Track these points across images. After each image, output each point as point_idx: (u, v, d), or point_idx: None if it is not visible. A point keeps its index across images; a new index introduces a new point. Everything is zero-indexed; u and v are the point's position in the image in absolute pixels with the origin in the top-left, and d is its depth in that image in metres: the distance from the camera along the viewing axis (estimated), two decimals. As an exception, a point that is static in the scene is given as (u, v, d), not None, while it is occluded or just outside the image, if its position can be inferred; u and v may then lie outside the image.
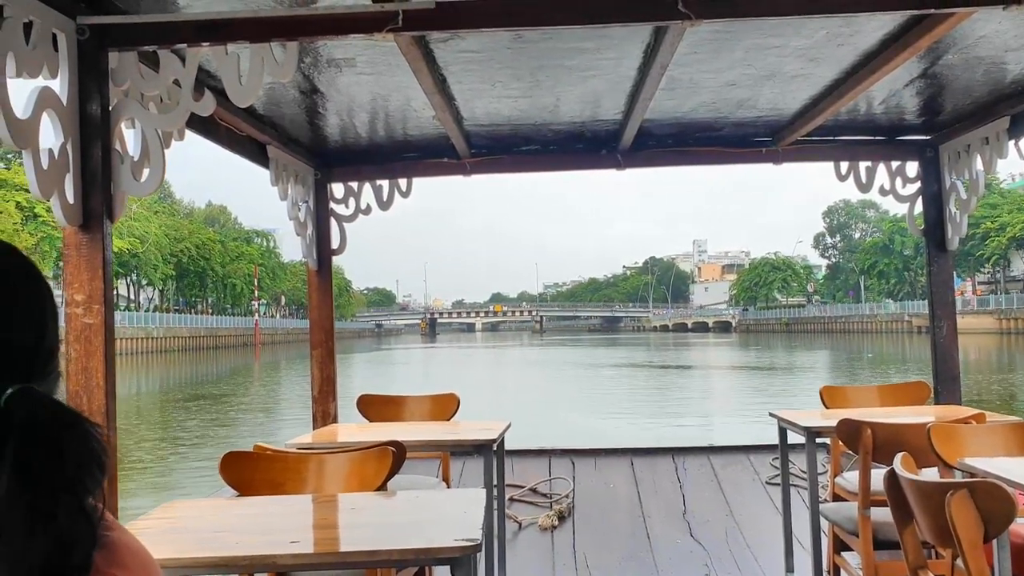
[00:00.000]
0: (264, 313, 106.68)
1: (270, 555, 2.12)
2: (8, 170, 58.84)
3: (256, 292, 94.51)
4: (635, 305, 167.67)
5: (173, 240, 80.00)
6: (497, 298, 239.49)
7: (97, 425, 0.86)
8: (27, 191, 54.19)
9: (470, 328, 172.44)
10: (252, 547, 2.18)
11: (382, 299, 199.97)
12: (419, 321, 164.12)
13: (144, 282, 78.62)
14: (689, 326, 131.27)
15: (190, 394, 29.51)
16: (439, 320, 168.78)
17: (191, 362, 58.55)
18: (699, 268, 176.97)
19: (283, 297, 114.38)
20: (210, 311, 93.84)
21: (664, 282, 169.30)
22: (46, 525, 0.77)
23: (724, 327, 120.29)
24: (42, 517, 0.78)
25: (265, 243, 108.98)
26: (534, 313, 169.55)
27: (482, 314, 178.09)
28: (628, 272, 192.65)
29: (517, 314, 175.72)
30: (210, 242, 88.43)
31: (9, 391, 0.82)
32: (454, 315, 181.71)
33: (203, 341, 76.47)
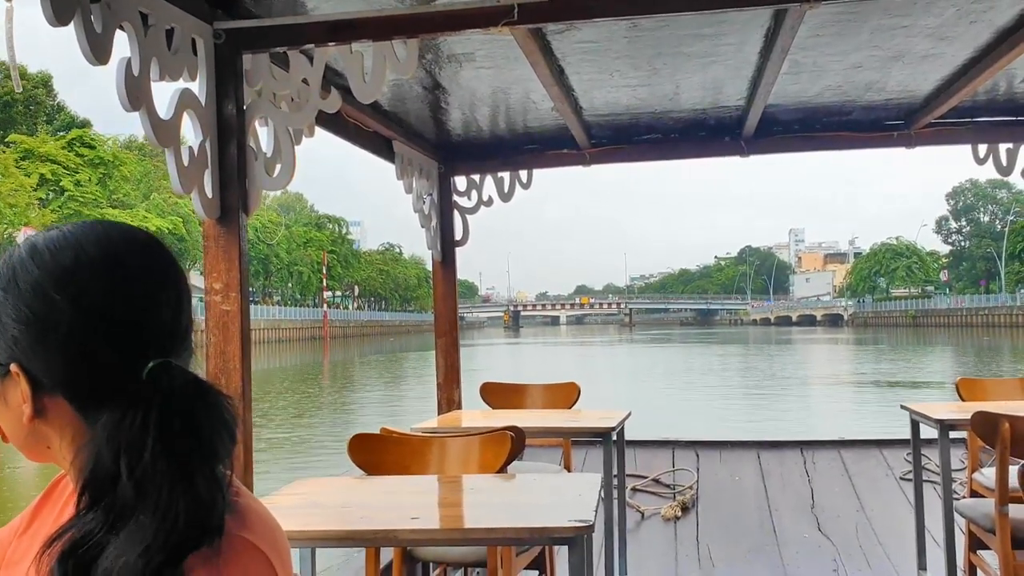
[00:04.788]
0: (339, 304, 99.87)
1: (393, 530, 2.23)
2: (34, 137, 52.25)
3: (325, 281, 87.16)
4: (731, 297, 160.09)
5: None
6: (582, 290, 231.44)
7: (228, 396, 0.94)
8: (55, 163, 50.68)
9: (554, 321, 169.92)
10: (376, 522, 2.29)
11: (464, 291, 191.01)
12: (502, 314, 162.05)
13: (190, 266, 56.28)
14: (794, 319, 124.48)
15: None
16: (523, 313, 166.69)
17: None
18: (799, 257, 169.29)
19: (356, 287, 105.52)
20: (280, 301, 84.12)
21: (763, 273, 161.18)
22: (187, 488, 0.85)
23: (834, 320, 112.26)
24: (182, 480, 0.85)
25: (337, 229, 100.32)
26: (622, 306, 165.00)
27: (567, 307, 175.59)
28: (722, 263, 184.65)
29: (604, 307, 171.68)
30: (271, 225, 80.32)
31: (151, 364, 0.91)
32: (538, 308, 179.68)
33: (264, 334, 68.54)
